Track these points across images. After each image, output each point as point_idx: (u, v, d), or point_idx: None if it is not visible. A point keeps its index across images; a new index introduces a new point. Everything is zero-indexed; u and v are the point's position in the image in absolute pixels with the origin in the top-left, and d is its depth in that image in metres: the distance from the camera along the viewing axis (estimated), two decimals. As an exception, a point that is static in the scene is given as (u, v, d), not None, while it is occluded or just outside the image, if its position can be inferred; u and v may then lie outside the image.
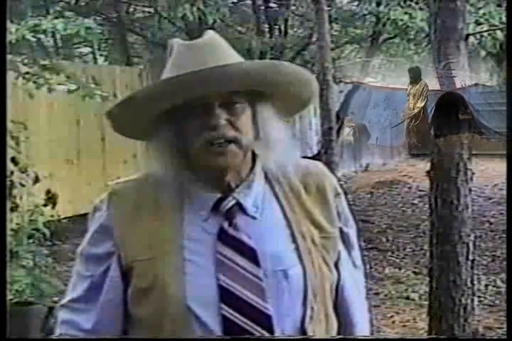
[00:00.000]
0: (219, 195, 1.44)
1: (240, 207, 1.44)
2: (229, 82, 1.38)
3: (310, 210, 1.48)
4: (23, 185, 4.86)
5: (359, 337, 1.43)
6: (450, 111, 3.46)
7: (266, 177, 1.49)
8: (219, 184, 1.44)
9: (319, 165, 1.57)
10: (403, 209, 9.27)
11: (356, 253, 1.56)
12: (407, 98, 3.57)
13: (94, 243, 1.47)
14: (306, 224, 1.47)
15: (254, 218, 1.45)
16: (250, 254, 1.40)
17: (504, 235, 6.71)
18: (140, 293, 1.41)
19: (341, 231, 1.52)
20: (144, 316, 1.42)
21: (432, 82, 3.47)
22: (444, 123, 3.49)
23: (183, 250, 1.40)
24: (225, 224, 1.42)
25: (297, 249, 1.44)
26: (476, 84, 3.44)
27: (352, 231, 1.55)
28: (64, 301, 1.50)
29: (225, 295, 1.37)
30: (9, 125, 4.41)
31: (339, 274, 1.50)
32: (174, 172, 1.43)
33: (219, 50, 1.45)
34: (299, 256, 1.43)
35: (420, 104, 3.52)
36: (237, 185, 1.45)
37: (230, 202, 1.44)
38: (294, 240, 1.44)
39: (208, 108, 1.39)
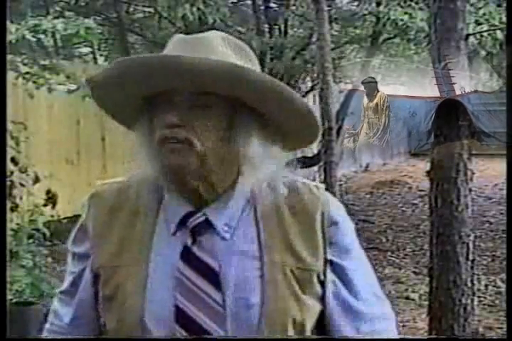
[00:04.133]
0: (190, 209, 1.35)
1: (209, 224, 1.35)
2: (172, 77, 1.28)
3: (290, 238, 1.36)
4: (23, 185, 4.86)
5: (359, 337, 1.41)
6: (449, 117, 3.46)
7: (250, 196, 1.38)
8: (191, 195, 1.36)
9: (314, 190, 1.42)
10: (403, 209, 9.28)
11: (359, 284, 1.41)
12: (365, 113, 3.57)
13: (76, 241, 1.46)
14: (282, 252, 1.35)
15: (223, 238, 1.34)
16: (212, 277, 1.32)
17: (504, 235, 6.71)
18: (105, 299, 1.39)
19: (333, 262, 1.38)
20: (109, 322, 1.39)
21: (432, 84, 3.47)
22: (443, 129, 3.49)
23: (148, 262, 1.34)
24: (189, 242, 1.34)
25: (262, 277, 1.33)
26: (475, 91, 3.44)
27: (351, 264, 1.40)
28: (58, 291, 1.52)
29: (180, 316, 1.31)
30: (9, 125, 4.42)
31: (325, 307, 1.38)
32: (154, 177, 1.36)
33: (202, 46, 1.34)
34: (262, 286, 1.32)
35: (383, 119, 3.52)
36: (212, 199, 1.35)
37: (198, 218, 1.35)
38: (262, 267, 1.33)
39: (168, 105, 1.32)
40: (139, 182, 1.39)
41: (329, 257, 1.38)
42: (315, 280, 1.36)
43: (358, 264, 1.43)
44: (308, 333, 1.37)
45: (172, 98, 1.32)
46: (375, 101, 3.43)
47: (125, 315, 1.34)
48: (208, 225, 1.35)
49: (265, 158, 1.34)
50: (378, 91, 3.61)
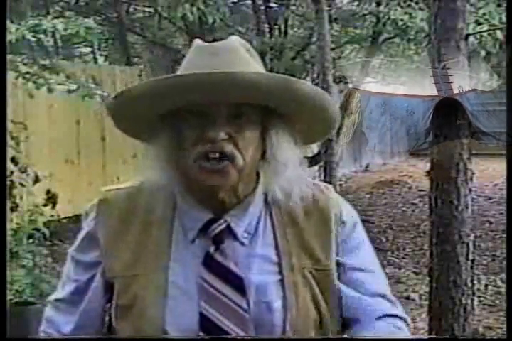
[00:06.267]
0: (210, 216, 1.35)
1: (230, 231, 1.34)
2: (229, 92, 1.26)
3: (306, 240, 1.37)
4: (23, 185, 4.87)
5: (359, 337, 1.41)
6: (448, 116, 3.46)
7: (266, 200, 1.38)
8: (212, 203, 1.34)
9: (325, 191, 1.44)
10: (403, 209, 9.27)
11: (363, 283, 1.41)
12: (341, 112, 3.56)
13: (82, 250, 1.43)
14: (299, 254, 1.36)
15: (243, 244, 1.35)
16: (236, 283, 1.32)
17: (504, 235, 6.71)
18: (120, 308, 1.36)
19: (340, 261, 1.40)
20: (124, 332, 1.36)
21: (432, 83, 3.46)
22: (442, 128, 3.49)
23: (167, 270, 1.33)
24: (212, 249, 1.34)
25: (282, 281, 1.34)
26: (473, 90, 3.43)
27: (357, 263, 1.43)
28: (51, 298, 1.48)
29: (205, 323, 1.30)
30: (9, 125, 4.42)
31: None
32: (168, 184, 1.34)
33: (235, 56, 1.33)
34: (283, 289, 1.33)
35: (352, 117, 3.51)
36: (233, 205, 1.35)
37: (220, 226, 1.34)
38: (281, 271, 1.34)
39: (209, 118, 1.29)
40: (150, 188, 1.36)
41: (339, 256, 1.40)
42: (328, 279, 1.38)
43: (363, 262, 1.45)
44: (328, 333, 1.38)
45: (210, 110, 1.29)
46: (346, 98, 3.44)
47: (145, 324, 1.32)
48: (229, 232, 1.34)
49: (291, 163, 1.34)
50: (349, 88, 3.60)
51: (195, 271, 1.33)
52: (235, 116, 1.30)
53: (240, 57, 1.34)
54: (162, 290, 1.32)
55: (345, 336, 1.42)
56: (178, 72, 1.36)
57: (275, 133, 1.34)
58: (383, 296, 1.43)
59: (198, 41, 1.40)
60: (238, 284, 1.32)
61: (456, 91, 3.38)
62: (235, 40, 1.39)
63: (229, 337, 1.30)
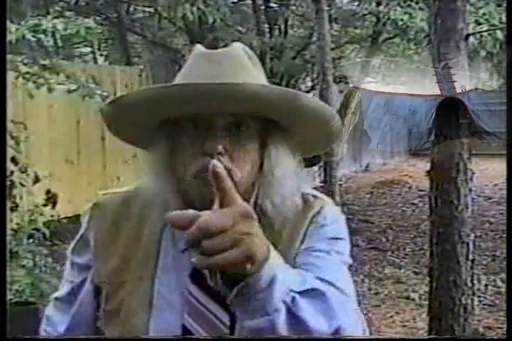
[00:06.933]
0: None
1: None
2: (228, 103, 1.22)
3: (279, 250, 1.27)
4: (23, 185, 4.87)
5: (360, 337, 1.41)
6: (450, 115, 3.47)
7: (255, 209, 1.27)
8: None
9: (311, 201, 1.36)
10: (403, 209, 9.27)
11: None
12: (340, 111, 3.56)
13: (76, 252, 1.42)
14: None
15: None
16: (220, 298, 1.22)
17: (504, 235, 6.72)
18: (108, 314, 1.35)
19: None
20: (112, 336, 1.35)
21: (432, 84, 3.47)
22: (443, 128, 3.50)
23: (153, 279, 1.31)
24: None
25: None
26: (476, 89, 3.44)
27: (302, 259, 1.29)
28: (52, 296, 1.48)
29: (186, 336, 1.27)
30: (9, 125, 4.42)
31: None
32: (162, 192, 1.31)
33: (237, 65, 1.30)
34: None
35: (349, 116, 3.52)
36: None
37: None
38: None
39: (207, 128, 1.26)
40: (144, 194, 1.34)
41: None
42: None
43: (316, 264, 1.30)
44: None
45: (208, 121, 1.26)
46: (346, 98, 3.43)
47: (128, 332, 1.31)
48: None
49: (288, 177, 1.31)
50: (350, 88, 3.60)
51: (181, 282, 1.30)
52: (233, 126, 1.27)
53: (242, 65, 1.32)
54: (147, 299, 1.30)
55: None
56: (178, 79, 1.34)
57: (274, 148, 1.31)
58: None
59: (199, 47, 1.38)
60: (222, 299, 1.25)
61: (458, 90, 3.39)
62: (237, 47, 1.36)
63: (211, 337, 1.29)
